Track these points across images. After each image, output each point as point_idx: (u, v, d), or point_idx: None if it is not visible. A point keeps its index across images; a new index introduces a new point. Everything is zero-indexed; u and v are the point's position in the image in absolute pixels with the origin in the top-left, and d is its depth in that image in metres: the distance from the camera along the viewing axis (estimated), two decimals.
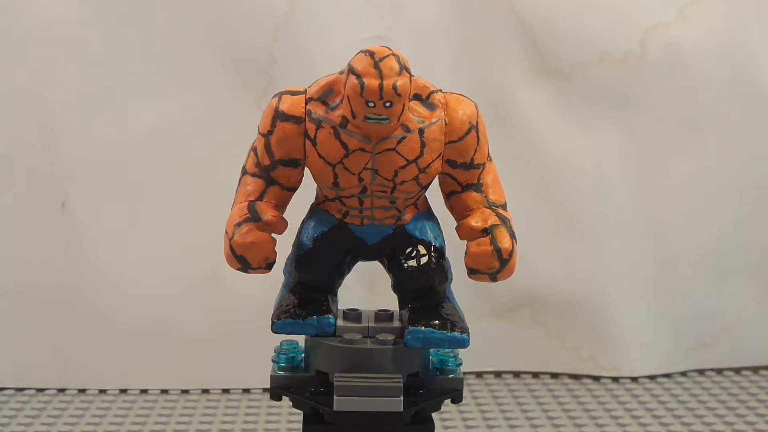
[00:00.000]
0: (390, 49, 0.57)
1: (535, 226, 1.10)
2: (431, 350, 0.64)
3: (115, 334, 1.06)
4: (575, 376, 1.13)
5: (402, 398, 0.60)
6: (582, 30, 1.10)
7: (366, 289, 1.06)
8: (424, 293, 0.63)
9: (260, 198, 0.61)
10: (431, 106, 0.60)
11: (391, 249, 0.63)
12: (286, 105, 0.60)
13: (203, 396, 1.06)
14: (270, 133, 0.60)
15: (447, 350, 0.64)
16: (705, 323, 1.16)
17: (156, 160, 1.07)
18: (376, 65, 0.56)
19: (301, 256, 0.63)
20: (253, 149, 0.62)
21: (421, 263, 0.62)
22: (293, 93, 0.60)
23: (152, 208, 1.07)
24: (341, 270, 0.64)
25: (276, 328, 0.63)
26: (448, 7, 1.09)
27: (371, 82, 0.56)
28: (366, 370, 0.60)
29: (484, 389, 1.09)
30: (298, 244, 0.64)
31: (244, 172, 0.63)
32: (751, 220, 1.16)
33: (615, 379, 1.12)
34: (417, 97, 0.60)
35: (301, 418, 0.63)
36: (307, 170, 0.62)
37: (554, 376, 1.13)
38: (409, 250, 0.63)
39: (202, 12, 1.06)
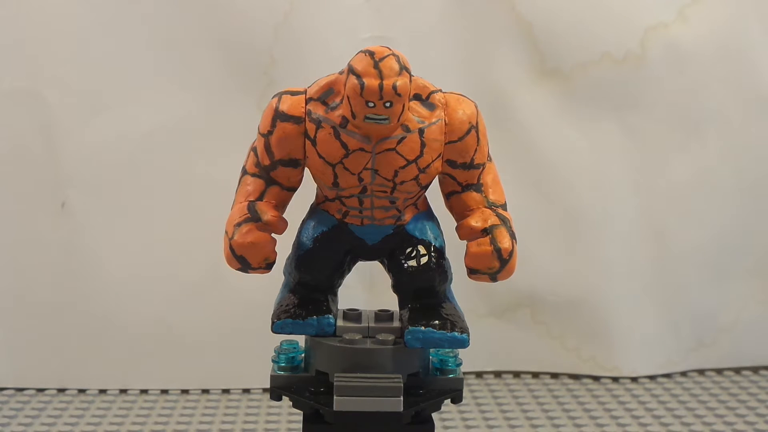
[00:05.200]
0: (390, 49, 0.57)
1: (535, 226, 1.10)
2: (431, 350, 0.64)
3: (115, 334, 1.07)
4: (575, 376, 1.13)
5: (402, 398, 0.60)
6: (582, 30, 1.10)
7: (366, 289, 1.06)
8: (424, 293, 0.63)
9: (260, 198, 0.61)
10: (431, 106, 0.60)
11: (391, 249, 0.63)
12: (286, 105, 0.60)
13: (203, 396, 1.06)
14: (270, 133, 0.60)
15: (447, 350, 0.64)
16: (705, 323, 1.16)
17: (156, 161, 1.07)
18: (376, 65, 0.56)
19: (301, 256, 0.63)
20: (253, 149, 0.62)
21: (421, 263, 0.62)
22: (293, 93, 0.60)
23: (152, 208, 1.07)
24: (341, 270, 0.64)
25: (276, 328, 0.63)
26: (448, 7, 1.09)
27: (371, 82, 0.56)
28: (366, 370, 0.61)
29: (484, 389, 1.09)
30: (298, 244, 0.64)
31: (244, 172, 0.63)
32: (751, 220, 1.16)
33: (615, 379, 1.12)
34: (417, 97, 0.60)
35: (301, 418, 0.63)
36: (307, 170, 0.62)
37: (554, 376, 1.13)
38: (409, 250, 0.63)
39: (202, 12, 1.06)
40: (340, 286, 0.65)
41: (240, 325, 1.06)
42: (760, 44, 1.14)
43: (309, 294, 0.64)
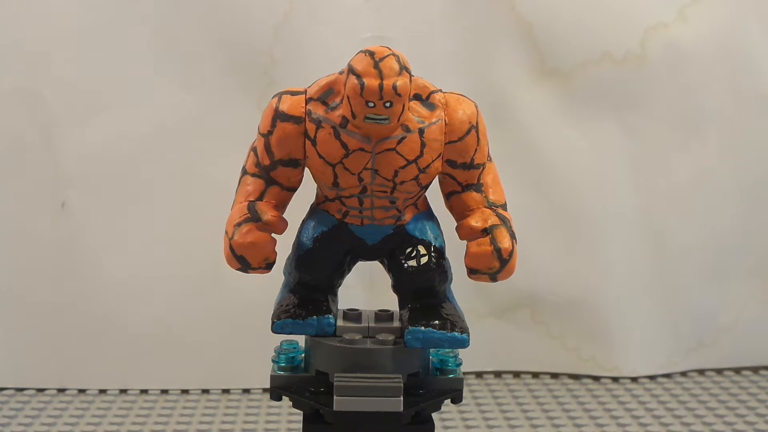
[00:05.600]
0: (390, 49, 0.57)
1: (535, 226, 1.10)
2: (431, 350, 0.64)
3: (115, 334, 1.07)
4: (575, 376, 1.13)
5: (402, 398, 0.60)
6: (582, 30, 1.10)
7: (366, 289, 1.06)
8: (424, 293, 0.63)
9: (260, 198, 0.61)
10: (431, 106, 0.60)
11: (391, 249, 0.63)
12: (286, 105, 0.60)
13: (203, 396, 1.06)
14: (270, 133, 0.60)
15: (447, 350, 0.64)
16: (705, 323, 1.16)
17: (156, 160, 1.07)
18: (376, 65, 0.56)
19: (301, 256, 0.63)
20: (253, 149, 0.62)
21: (421, 263, 0.62)
22: (293, 93, 0.60)
23: (152, 208, 1.07)
24: (341, 270, 0.64)
25: (276, 328, 0.63)
26: (448, 7, 1.09)
27: (371, 82, 0.56)
28: (366, 370, 0.61)
29: (484, 389, 1.09)
30: (298, 244, 0.64)
31: (244, 172, 0.63)
32: (751, 220, 1.16)
33: (615, 379, 1.12)
34: (417, 97, 0.60)
35: (301, 418, 0.63)
36: (307, 170, 0.62)
37: (554, 376, 1.13)
38: (409, 250, 0.63)
39: (202, 12, 1.06)
40: (340, 286, 0.65)
41: (240, 325, 1.06)
42: (760, 44, 1.14)
43: (309, 294, 0.64)
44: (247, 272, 0.61)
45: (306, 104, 0.60)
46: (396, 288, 0.64)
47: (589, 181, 1.12)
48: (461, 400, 0.64)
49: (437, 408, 0.63)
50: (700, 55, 1.12)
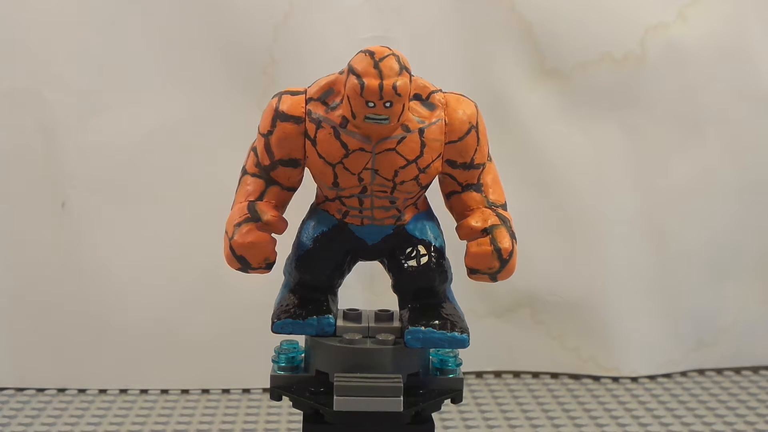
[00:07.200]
0: (390, 49, 0.57)
1: (535, 226, 1.10)
2: (431, 350, 0.64)
3: (115, 334, 1.06)
4: (575, 376, 1.13)
5: (402, 398, 0.60)
6: (582, 30, 1.10)
7: (366, 289, 1.06)
8: (424, 293, 0.63)
9: (260, 198, 0.62)
10: (431, 106, 0.60)
11: (391, 249, 0.63)
12: (286, 105, 0.60)
13: (203, 396, 1.06)
14: (270, 133, 0.60)
15: (447, 350, 0.64)
16: (705, 323, 1.16)
17: (156, 161, 1.07)
18: (376, 65, 0.56)
19: (301, 256, 0.63)
20: (253, 149, 0.62)
21: (421, 263, 0.62)
22: (293, 93, 0.60)
23: (152, 208, 1.07)
24: (341, 270, 0.64)
25: (276, 328, 0.63)
26: (448, 7, 1.09)
27: (371, 82, 0.56)
28: (366, 370, 0.61)
29: (484, 389, 1.09)
30: (298, 244, 0.64)
31: (244, 172, 0.63)
32: (751, 220, 1.16)
33: (615, 379, 1.13)
34: (417, 97, 0.60)
35: (301, 418, 0.63)
36: (307, 170, 0.62)
37: (554, 376, 1.13)
38: (409, 250, 0.63)
39: (202, 12, 1.06)
40: (340, 286, 0.65)
41: (240, 325, 1.06)
42: (760, 44, 1.14)
43: (309, 294, 0.64)
44: (247, 272, 0.61)
45: (306, 104, 0.60)
46: (396, 288, 0.64)
47: (589, 181, 1.12)
48: (461, 400, 0.64)
49: (437, 408, 0.63)
50: (700, 55, 1.12)
